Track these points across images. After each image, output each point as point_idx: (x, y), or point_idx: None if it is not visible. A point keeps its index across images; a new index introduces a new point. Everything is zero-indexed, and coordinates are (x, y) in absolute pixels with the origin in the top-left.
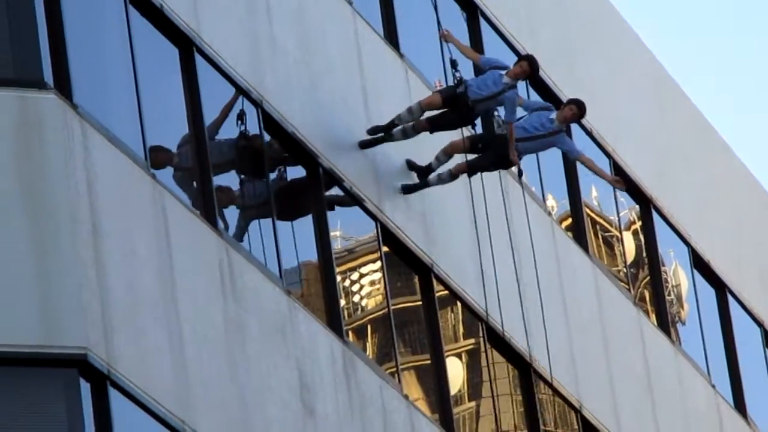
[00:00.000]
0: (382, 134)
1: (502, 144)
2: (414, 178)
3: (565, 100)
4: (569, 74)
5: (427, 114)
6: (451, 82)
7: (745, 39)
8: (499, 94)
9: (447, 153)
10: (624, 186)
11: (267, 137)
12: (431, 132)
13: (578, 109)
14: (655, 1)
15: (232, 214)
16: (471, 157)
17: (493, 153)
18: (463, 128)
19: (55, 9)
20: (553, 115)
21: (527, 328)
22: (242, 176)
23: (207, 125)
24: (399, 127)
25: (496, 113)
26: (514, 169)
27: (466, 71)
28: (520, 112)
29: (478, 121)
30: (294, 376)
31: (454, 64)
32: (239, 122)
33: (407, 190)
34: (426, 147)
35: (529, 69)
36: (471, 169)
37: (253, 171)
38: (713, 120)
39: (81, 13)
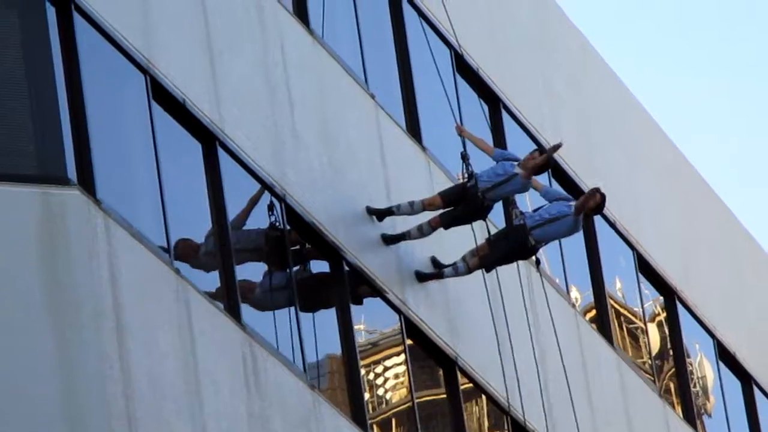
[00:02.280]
0: (401, 234)
1: (520, 234)
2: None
3: (586, 191)
4: (591, 167)
5: (441, 210)
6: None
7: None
8: (506, 181)
9: (474, 254)
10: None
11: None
12: (445, 228)
13: (601, 198)
14: (675, 93)
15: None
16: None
17: (512, 244)
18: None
19: (79, 105)
20: (572, 203)
21: (552, 421)
22: (267, 267)
23: (232, 217)
24: (415, 226)
25: (513, 207)
26: (532, 258)
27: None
28: (540, 200)
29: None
30: None
31: (464, 157)
32: (270, 213)
33: (421, 277)
34: (447, 244)
35: (540, 160)
36: (490, 263)
37: (278, 263)
38: (738, 211)
39: (104, 108)
